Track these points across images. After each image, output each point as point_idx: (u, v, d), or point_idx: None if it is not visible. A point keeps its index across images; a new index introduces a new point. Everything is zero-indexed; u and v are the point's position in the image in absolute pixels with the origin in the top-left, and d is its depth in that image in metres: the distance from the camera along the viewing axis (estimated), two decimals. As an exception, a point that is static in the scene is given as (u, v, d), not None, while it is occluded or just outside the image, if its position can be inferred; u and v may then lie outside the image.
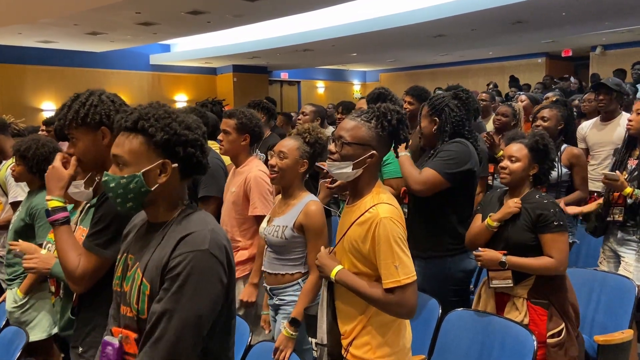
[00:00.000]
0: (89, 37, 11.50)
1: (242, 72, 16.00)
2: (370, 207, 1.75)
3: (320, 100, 19.20)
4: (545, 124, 3.30)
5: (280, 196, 2.43)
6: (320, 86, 19.27)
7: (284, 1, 8.66)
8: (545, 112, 3.33)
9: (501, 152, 4.11)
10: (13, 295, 2.85)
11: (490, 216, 2.36)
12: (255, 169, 2.67)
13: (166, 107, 1.38)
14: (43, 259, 1.86)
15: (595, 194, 3.74)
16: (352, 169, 1.78)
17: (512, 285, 2.26)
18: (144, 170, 1.32)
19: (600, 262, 2.98)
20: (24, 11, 8.99)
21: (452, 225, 2.58)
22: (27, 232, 2.72)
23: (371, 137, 1.78)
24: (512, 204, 2.30)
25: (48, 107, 13.53)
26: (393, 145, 1.88)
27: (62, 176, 1.74)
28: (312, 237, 2.24)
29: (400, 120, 1.81)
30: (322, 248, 1.91)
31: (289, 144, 2.31)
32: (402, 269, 1.68)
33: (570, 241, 3.08)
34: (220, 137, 2.72)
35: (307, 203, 2.26)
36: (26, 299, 2.82)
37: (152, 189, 1.33)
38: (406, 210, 2.59)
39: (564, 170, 3.23)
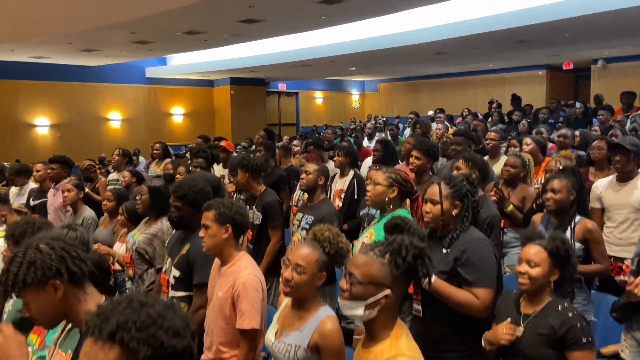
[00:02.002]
0: (84, 53, 11.28)
1: (240, 85, 15.79)
2: None
3: (318, 111, 19.03)
4: (557, 196, 3.09)
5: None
6: (319, 97, 19.08)
7: (282, 22, 8.47)
8: (555, 184, 3.12)
9: (510, 207, 3.93)
10: None
11: (484, 335, 2.17)
12: (244, 271, 2.37)
13: (148, 306, 1.13)
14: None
15: (612, 259, 3.55)
16: (365, 311, 1.58)
17: None
18: None
19: (621, 350, 2.78)
20: (15, 30, 8.78)
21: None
22: (24, 324, 2.53)
23: (384, 275, 1.58)
24: (502, 335, 2.10)
25: (41, 123, 13.31)
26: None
27: (19, 342, 1.53)
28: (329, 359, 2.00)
29: (418, 256, 1.61)
30: None
31: (307, 256, 2.03)
32: None
33: (588, 319, 2.89)
34: (200, 233, 2.45)
35: (322, 320, 2.00)
36: None
37: None
38: (420, 307, 2.39)
39: (578, 244, 3.03)
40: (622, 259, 3.45)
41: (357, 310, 1.59)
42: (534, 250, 2.19)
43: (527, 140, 4.92)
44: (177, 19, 7.88)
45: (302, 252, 2.06)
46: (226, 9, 7.30)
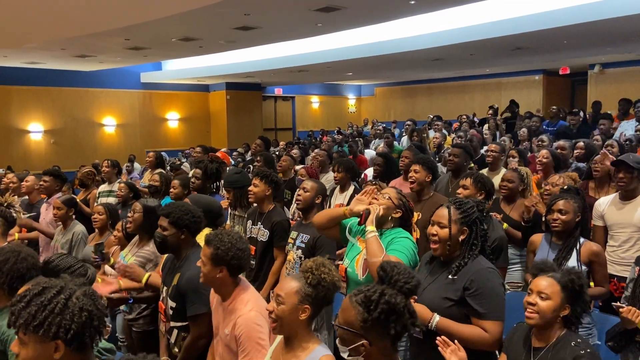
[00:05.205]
0: (78, 59, 11.17)
1: (236, 90, 15.70)
2: None
3: (314, 115, 18.95)
4: (564, 217, 3.01)
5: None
6: (315, 101, 19.00)
7: (278, 30, 8.40)
8: (562, 205, 3.04)
9: (505, 225, 3.84)
10: None
11: None
12: (245, 309, 2.29)
13: None
14: None
15: (616, 279, 3.48)
16: (348, 356, 1.56)
17: None
18: None
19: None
20: (8, 36, 8.66)
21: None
22: None
23: (358, 324, 1.56)
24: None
25: (35, 129, 13.17)
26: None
27: None
28: None
29: (390, 312, 1.54)
30: None
31: (288, 287, 1.96)
32: None
33: (592, 344, 2.81)
34: (198, 263, 2.36)
35: None
36: None
37: None
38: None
39: (583, 267, 2.96)
40: (625, 279, 3.38)
41: (344, 354, 1.56)
42: (546, 282, 2.09)
43: (544, 152, 4.76)
44: (172, 26, 7.79)
45: (284, 283, 2.00)
46: (222, 17, 7.22)
